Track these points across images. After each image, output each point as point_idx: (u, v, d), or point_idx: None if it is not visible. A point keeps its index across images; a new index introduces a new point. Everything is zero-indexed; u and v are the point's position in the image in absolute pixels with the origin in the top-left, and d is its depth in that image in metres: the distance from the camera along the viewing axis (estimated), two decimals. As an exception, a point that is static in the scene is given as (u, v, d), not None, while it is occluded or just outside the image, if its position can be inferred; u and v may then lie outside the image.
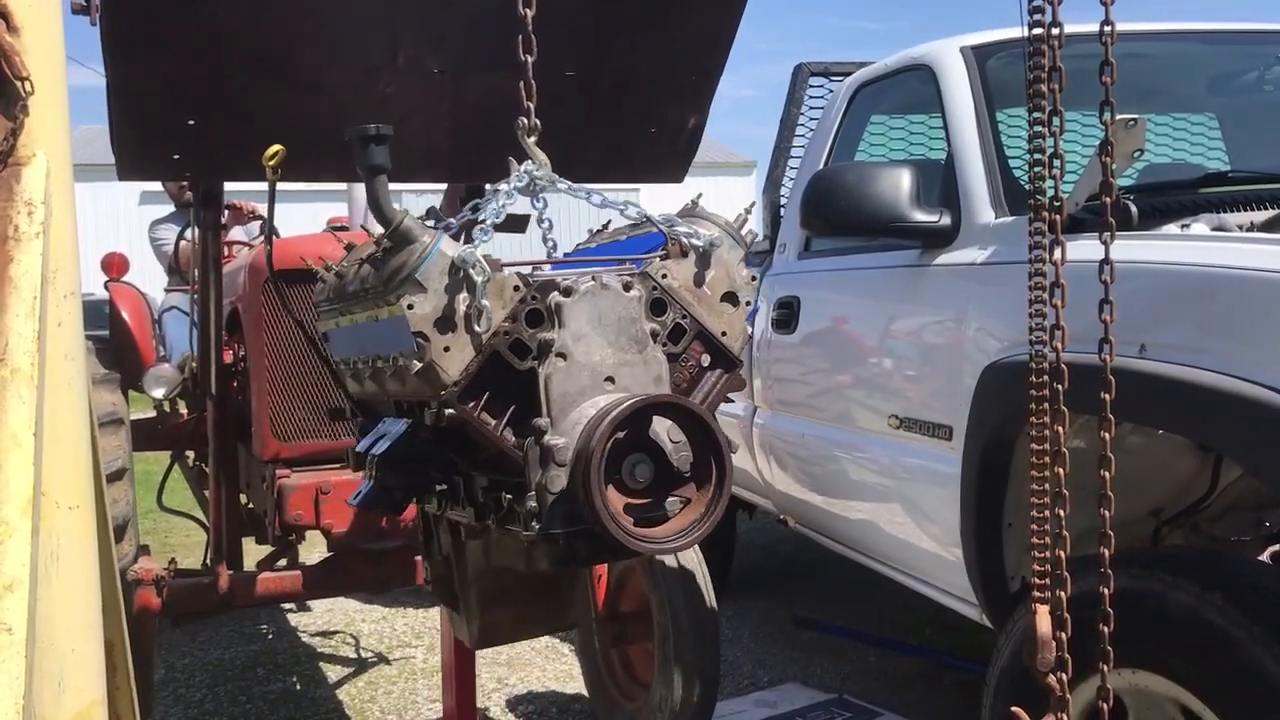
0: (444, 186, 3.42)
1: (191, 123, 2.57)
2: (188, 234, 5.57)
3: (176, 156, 2.68)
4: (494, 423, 1.63)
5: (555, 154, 1.72)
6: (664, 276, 1.75)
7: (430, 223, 1.77)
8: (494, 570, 2.02)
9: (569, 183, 1.74)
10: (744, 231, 1.84)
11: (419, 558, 3.63)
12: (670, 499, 1.60)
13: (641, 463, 1.58)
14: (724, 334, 1.78)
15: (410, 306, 1.58)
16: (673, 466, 1.60)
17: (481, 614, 2.12)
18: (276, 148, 1.95)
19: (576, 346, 1.63)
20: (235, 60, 2.52)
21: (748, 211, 1.90)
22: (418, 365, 1.60)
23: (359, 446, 1.87)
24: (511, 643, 2.37)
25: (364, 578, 3.62)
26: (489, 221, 1.67)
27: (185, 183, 5.89)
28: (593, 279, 1.66)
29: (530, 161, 1.70)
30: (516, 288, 1.64)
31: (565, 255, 2.13)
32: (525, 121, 1.70)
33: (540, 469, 1.57)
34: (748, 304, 1.80)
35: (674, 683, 3.17)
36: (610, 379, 1.64)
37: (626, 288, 1.69)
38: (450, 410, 1.60)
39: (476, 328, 1.60)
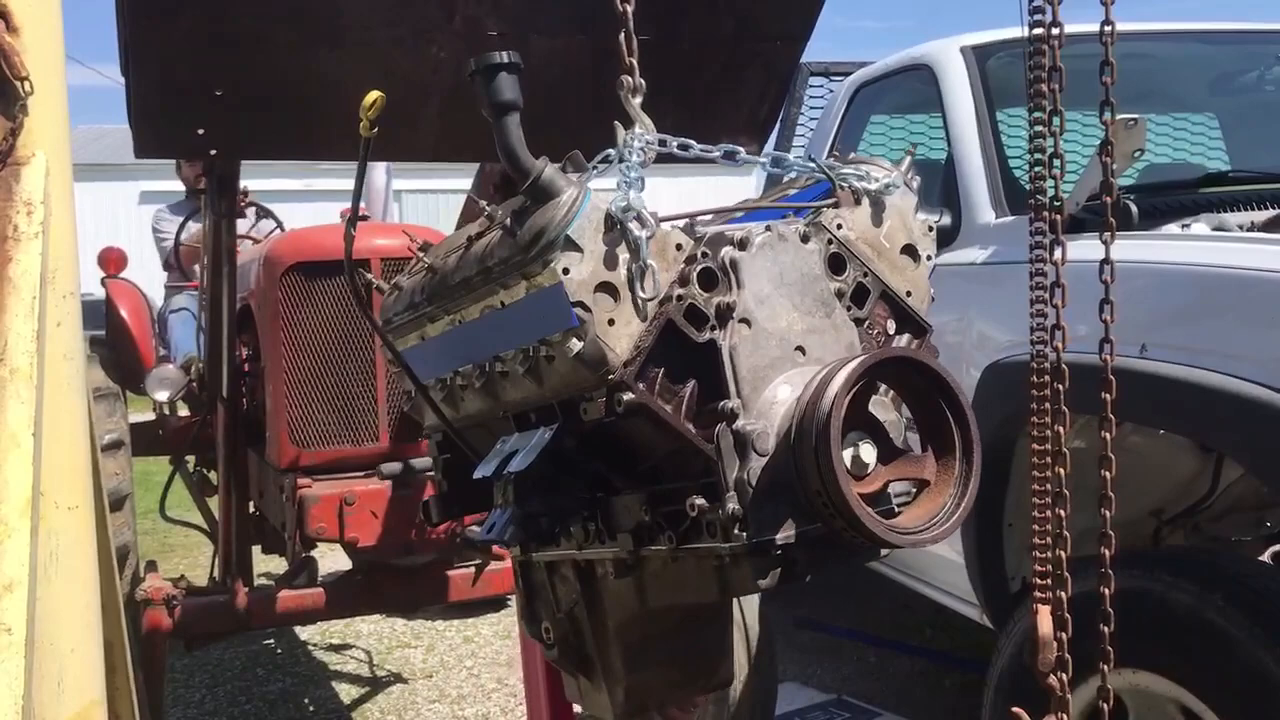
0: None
1: (219, 93, 2.29)
2: (192, 226, 5.47)
3: (201, 131, 2.38)
4: (670, 410, 1.32)
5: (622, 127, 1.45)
6: (839, 227, 1.46)
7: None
8: (641, 619, 1.61)
9: (693, 142, 1.45)
10: (912, 178, 1.57)
11: (451, 573, 3.44)
12: (896, 484, 1.32)
13: (864, 441, 1.29)
14: (909, 294, 1.51)
15: (566, 271, 1.28)
16: (895, 445, 1.33)
17: (628, 676, 1.66)
18: (375, 94, 1.56)
19: (760, 310, 1.35)
20: (272, 17, 2.25)
21: (911, 154, 1.61)
22: (578, 345, 1.29)
23: (480, 473, 1.50)
24: (662, 709, 1.88)
25: (392, 596, 3.44)
26: (635, 174, 1.35)
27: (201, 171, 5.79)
28: (768, 229, 1.39)
29: (636, 126, 1.39)
30: (679, 245, 1.34)
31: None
32: (629, 80, 1.40)
33: (739, 461, 1.28)
34: (929, 259, 1.53)
35: (729, 698, 3.05)
36: (801, 349, 1.37)
37: (804, 239, 1.41)
38: (629, 395, 1.28)
39: (642, 293, 1.31)
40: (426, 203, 22.54)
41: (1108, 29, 1.50)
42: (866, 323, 1.47)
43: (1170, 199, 2.82)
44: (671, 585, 1.48)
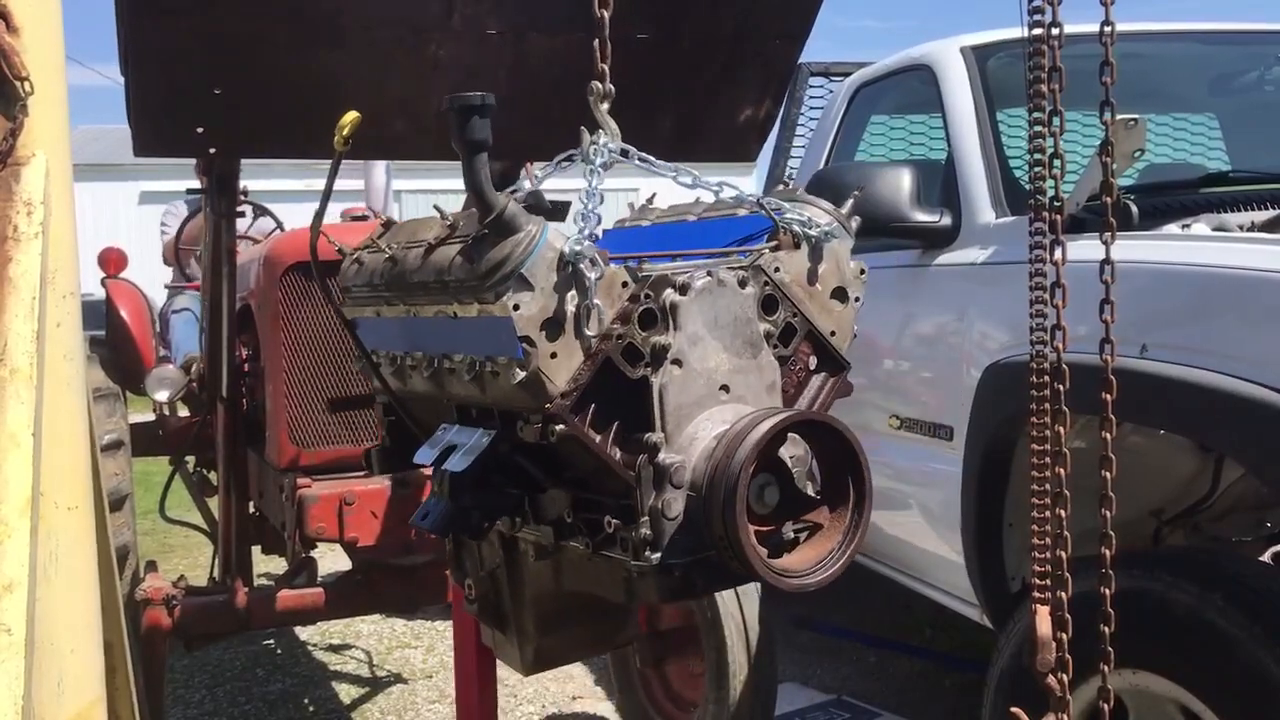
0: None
1: (218, 92, 2.31)
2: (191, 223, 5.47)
3: (201, 130, 2.40)
4: (599, 439, 1.43)
5: (623, 127, 1.54)
6: (776, 270, 1.55)
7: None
8: (555, 592, 1.78)
9: (651, 158, 1.54)
10: (851, 220, 1.66)
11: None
12: (788, 525, 1.44)
13: (769, 485, 1.41)
14: (833, 334, 1.61)
15: (516, 307, 1.38)
16: (797, 489, 1.44)
17: (538, 638, 1.85)
18: (353, 115, 1.63)
19: (692, 352, 1.45)
20: (272, 16, 2.27)
21: (857, 196, 1.71)
22: (520, 374, 1.40)
23: (421, 458, 1.64)
24: (564, 665, 2.08)
25: (392, 595, 3.43)
26: (592, 207, 1.44)
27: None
28: (709, 275, 1.47)
29: (603, 133, 1.48)
30: (625, 284, 1.44)
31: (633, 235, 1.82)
32: (599, 86, 1.49)
33: (655, 491, 1.39)
34: (857, 300, 1.63)
35: (729, 697, 3.07)
36: (725, 387, 1.47)
37: (742, 284, 1.50)
38: (561, 426, 1.40)
39: (586, 330, 1.41)
40: (426, 203, 22.52)
41: (1108, 29, 1.50)
42: (790, 359, 1.58)
43: (1170, 199, 2.82)
44: (585, 576, 1.61)
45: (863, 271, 1.64)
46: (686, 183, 1.62)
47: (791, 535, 1.44)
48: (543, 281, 1.39)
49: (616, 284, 1.44)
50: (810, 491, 1.45)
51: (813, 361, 1.61)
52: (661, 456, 1.40)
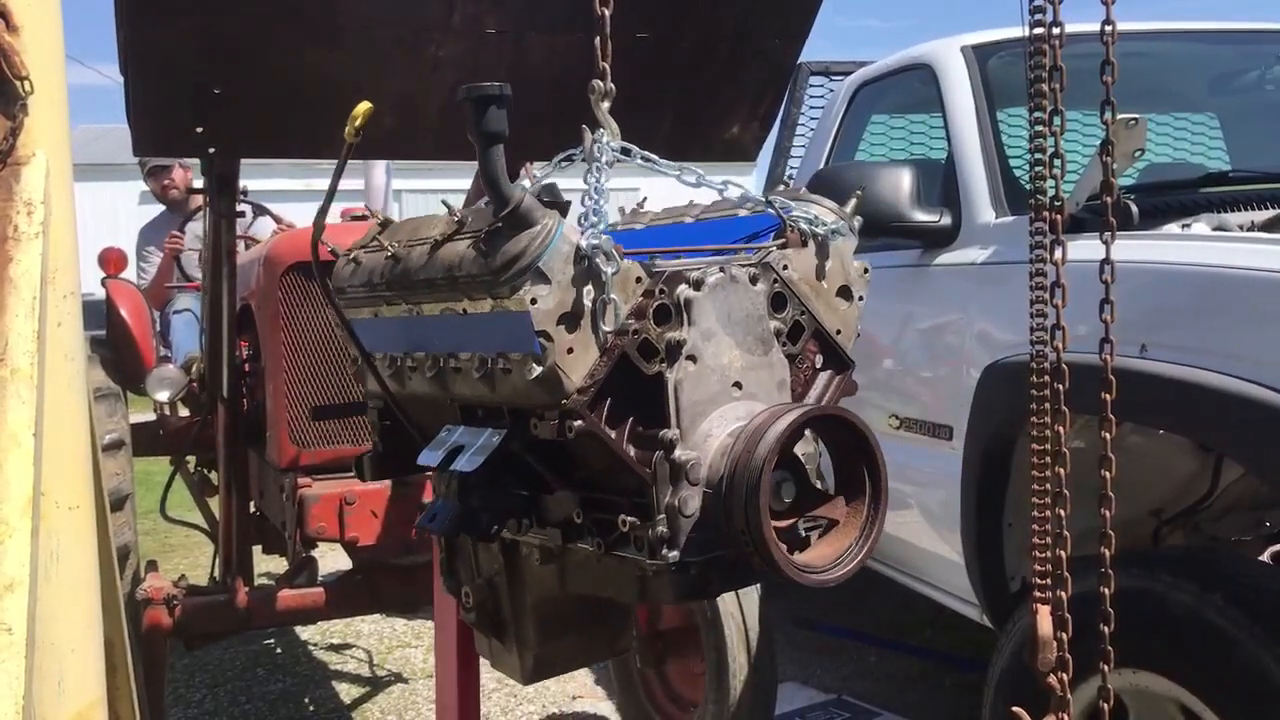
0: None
1: (218, 91, 2.31)
2: (187, 240, 5.49)
3: (200, 130, 2.40)
4: (614, 435, 1.42)
5: (623, 127, 1.52)
6: (785, 268, 1.55)
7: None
8: (558, 598, 1.74)
9: (654, 157, 1.54)
10: (855, 219, 1.66)
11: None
12: (802, 521, 1.43)
13: (786, 481, 1.40)
14: (839, 332, 1.62)
15: (534, 301, 1.35)
16: (811, 485, 1.44)
17: (539, 645, 1.81)
18: (365, 105, 1.59)
19: (706, 347, 1.44)
20: (271, 15, 2.26)
21: (859, 195, 1.70)
22: (537, 370, 1.38)
23: (427, 460, 1.59)
24: (564, 673, 2.04)
25: (392, 595, 3.43)
26: (600, 203, 1.43)
27: (170, 180, 5.81)
28: (721, 271, 1.47)
29: (604, 131, 1.47)
30: (639, 279, 1.43)
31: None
32: (600, 85, 1.47)
33: (671, 488, 1.38)
34: (861, 299, 1.63)
35: (729, 697, 3.07)
36: (738, 384, 1.47)
37: (753, 281, 1.50)
38: (578, 422, 1.38)
39: (603, 325, 1.39)
40: (426, 202, 22.55)
41: (1108, 29, 1.50)
42: (798, 358, 1.58)
43: (1170, 199, 2.82)
44: (592, 579, 1.59)
45: (866, 270, 1.65)
46: (691, 181, 1.60)
47: (803, 533, 1.43)
48: (559, 275, 1.36)
49: (631, 279, 1.42)
50: (820, 488, 1.44)
51: (819, 359, 1.61)
52: (677, 453, 1.38)
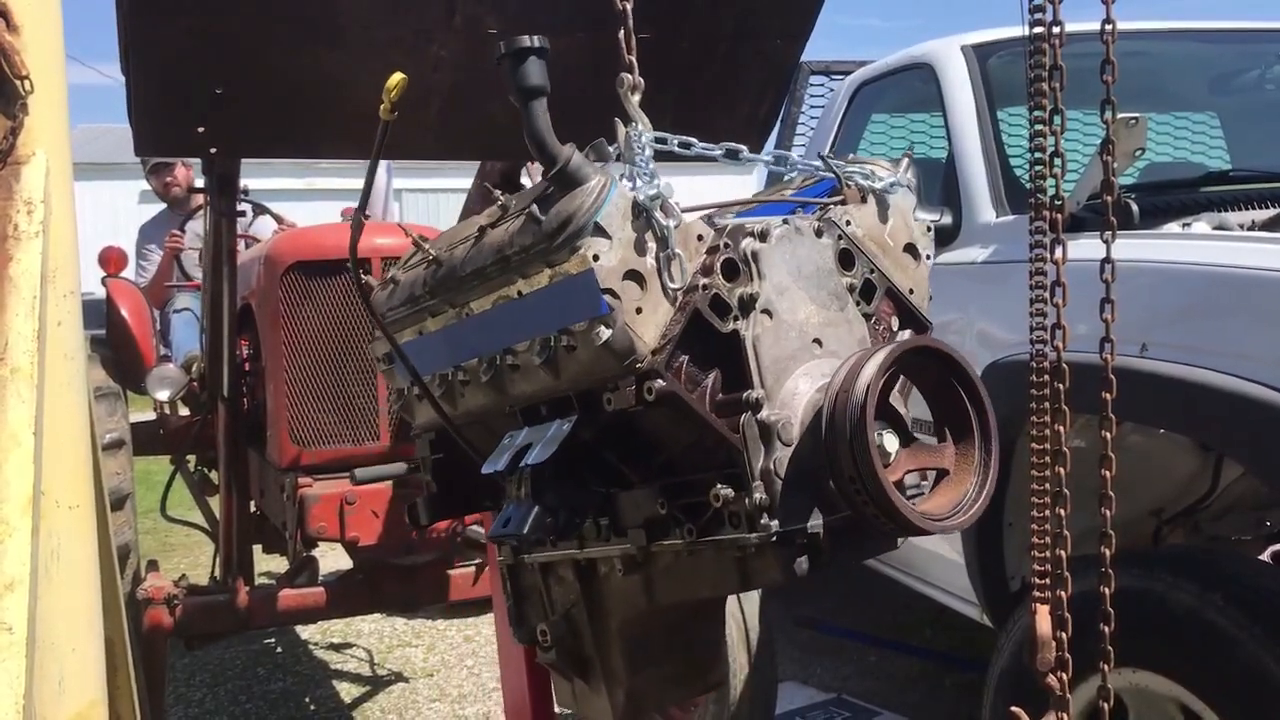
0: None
1: (219, 91, 2.30)
2: (187, 239, 5.49)
3: (201, 129, 2.38)
4: (695, 399, 1.32)
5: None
6: (848, 224, 1.48)
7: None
8: (643, 619, 1.60)
9: (693, 139, 1.46)
10: (910, 178, 1.59)
11: (452, 573, 3.44)
12: (912, 473, 1.34)
13: (887, 430, 1.31)
14: (911, 291, 1.53)
15: (596, 258, 1.27)
16: (912, 435, 1.35)
17: (629, 677, 1.63)
18: (399, 77, 1.51)
19: (781, 302, 1.36)
20: (272, 15, 2.25)
21: (910, 156, 1.63)
22: (606, 333, 1.27)
23: (490, 468, 1.47)
24: (657, 710, 1.89)
25: (393, 595, 3.44)
26: (648, 168, 1.35)
27: (172, 178, 5.81)
28: (785, 222, 1.40)
29: (636, 123, 1.39)
30: (701, 236, 1.36)
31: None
32: (628, 78, 1.40)
33: (764, 450, 1.28)
34: (928, 258, 1.56)
35: (729, 697, 3.07)
36: (818, 341, 1.38)
37: (818, 234, 1.43)
38: (659, 383, 1.27)
39: (670, 282, 1.31)
40: (426, 202, 22.52)
41: (1108, 28, 1.50)
42: (873, 319, 1.49)
43: (1171, 198, 2.82)
44: (684, 580, 1.47)
45: (930, 229, 1.58)
46: (735, 160, 1.52)
47: (912, 488, 1.35)
48: (619, 231, 1.29)
49: (692, 236, 1.35)
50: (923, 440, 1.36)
51: (895, 322, 1.53)
52: (765, 413, 1.30)
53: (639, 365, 1.29)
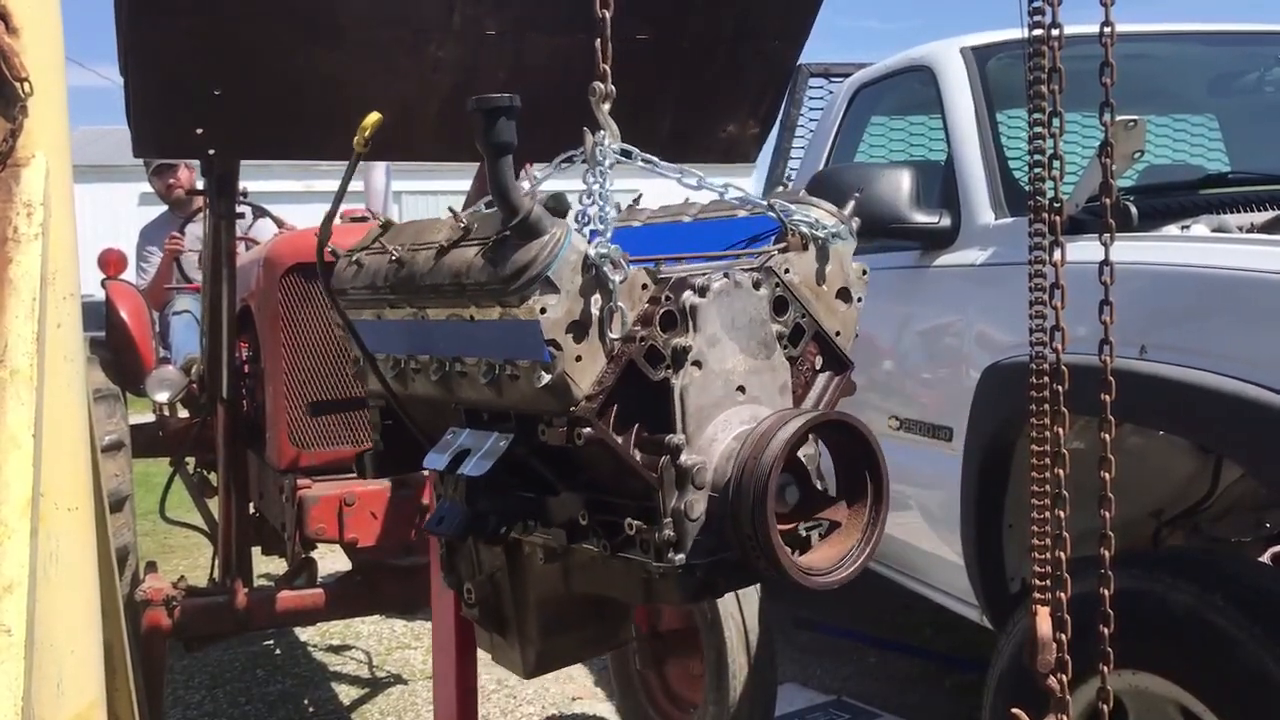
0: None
1: (218, 93, 2.31)
2: (187, 241, 5.50)
3: (200, 131, 2.40)
4: (621, 441, 1.44)
5: (622, 128, 1.53)
6: (786, 271, 1.57)
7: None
8: (559, 597, 1.76)
9: (655, 159, 1.55)
10: (853, 221, 1.68)
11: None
12: (803, 524, 1.46)
13: (790, 484, 1.43)
14: (838, 334, 1.64)
15: (544, 310, 1.37)
16: (814, 488, 1.47)
17: (541, 641, 1.82)
18: (374, 117, 1.60)
19: (711, 353, 1.46)
20: (271, 17, 2.27)
21: (857, 197, 1.72)
22: (546, 378, 1.39)
23: (433, 463, 1.60)
24: (566, 666, 2.07)
25: (392, 596, 3.44)
26: (606, 210, 1.46)
27: (175, 180, 5.80)
28: (725, 276, 1.49)
29: (605, 133, 1.47)
30: (644, 285, 1.45)
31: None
32: (600, 87, 1.47)
33: (677, 492, 1.40)
34: (859, 300, 1.65)
35: (729, 698, 3.07)
36: (741, 388, 1.48)
37: (756, 286, 1.52)
38: (587, 430, 1.40)
39: (610, 333, 1.41)
40: (426, 203, 22.53)
41: (1107, 30, 1.50)
42: (799, 359, 1.60)
43: (1170, 200, 2.82)
44: (596, 579, 1.59)
45: (865, 272, 1.66)
46: (691, 184, 1.62)
47: (805, 534, 1.45)
48: (568, 284, 1.38)
49: (637, 286, 1.44)
50: (825, 477, 1.47)
51: (819, 361, 1.63)
52: (684, 458, 1.40)
53: (573, 409, 1.40)
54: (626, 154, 1.50)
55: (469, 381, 1.56)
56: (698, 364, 1.44)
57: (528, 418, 1.51)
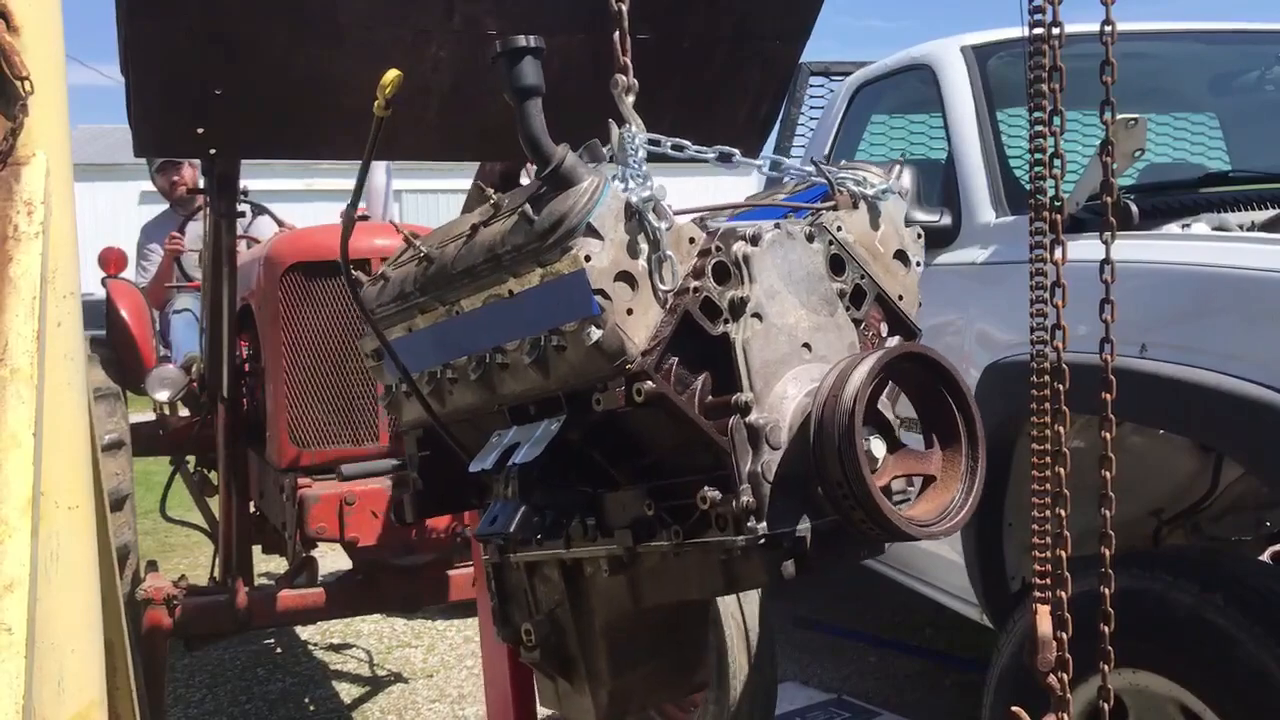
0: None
1: (218, 92, 2.29)
2: (187, 240, 5.50)
3: (200, 130, 2.37)
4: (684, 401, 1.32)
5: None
6: (839, 229, 1.48)
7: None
8: (628, 620, 1.59)
9: (686, 142, 1.46)
10: (902, 184, 1.60)
11: (451, 573, 3.44)
12: (899, 479, 1.35)
13: (874, 436, 1.31)
14: (901, 298, 1.54)
15: (588, 258, 1.27)
16: (900, 441, 1.35)
17: (612, 679, 1.62)
18: (394, 73, 1.51)
19: (770, 305, 1.36)
20: (272, 16, 2.25)
21: (902, 162, 1.65)
22: (597, 333, 1.27)
23: (478, 466, 1.49)
24: (641, 712, 1.84)
25: (393, 595, 3.44)
26: (641, 169, 1.35)
27: (179, 178, 5.80)
28: (776, 226, 1.40)
29: (630, 125, 1.39)
30: (693, 239, 1.35)
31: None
32: (623, 79, 1.40)
33: (751, 453, 1.28)
34: (918, 264, 1.57)
35: (729, 697, 3.08)
36: (807, 345, 1.38)
37: (810, 239, 1.43)
38: (648, 385, 1.27)
39: (661, 284, 1.31)
40: (426, 203, 22.53)
41: (1108, 29, 1.50)
42: (863, 324, 1.50)
43: (1170, 199, 2.82)
44: (670, 581, 1.47)
45: (920, 236, 1.59)
46: (731, 163, 1.53)
47: (898, 493, 1.35)
48: (611, 232, 1.29)
49: (684, 238, 1.35)
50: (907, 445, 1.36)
51: (884, 328, 1.54)
52: (754, 416, 1.30)
53: (629, 366, 1.29)
54: (654, 143, 1.41)
55: (511, 371, 1.46)
56: (758, 316, 1.35)
57: (579, 395, 1.38)
